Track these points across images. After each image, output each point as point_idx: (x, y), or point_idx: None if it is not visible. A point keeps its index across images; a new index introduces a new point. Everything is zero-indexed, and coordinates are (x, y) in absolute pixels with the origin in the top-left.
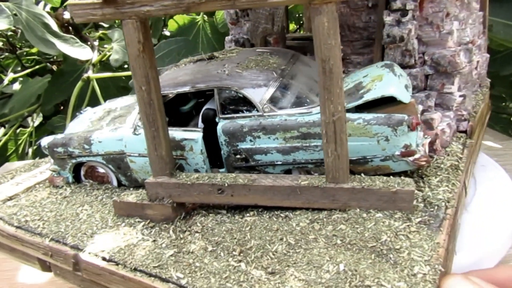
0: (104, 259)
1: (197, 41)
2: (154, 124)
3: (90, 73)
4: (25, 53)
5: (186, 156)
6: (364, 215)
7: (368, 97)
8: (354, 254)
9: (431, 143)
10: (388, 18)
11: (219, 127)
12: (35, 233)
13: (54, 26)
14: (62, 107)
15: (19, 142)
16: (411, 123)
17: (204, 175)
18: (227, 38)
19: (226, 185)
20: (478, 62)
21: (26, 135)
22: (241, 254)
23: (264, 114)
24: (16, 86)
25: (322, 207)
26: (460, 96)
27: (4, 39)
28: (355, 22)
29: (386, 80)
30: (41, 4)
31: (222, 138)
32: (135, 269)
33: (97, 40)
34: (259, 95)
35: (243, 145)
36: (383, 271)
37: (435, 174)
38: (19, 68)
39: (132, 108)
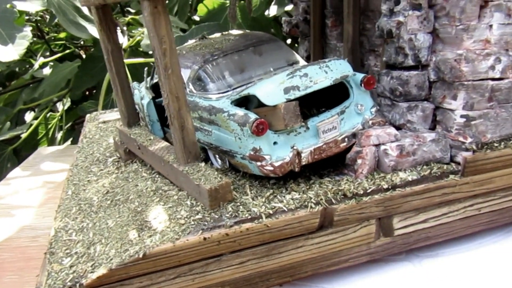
0: None
1: (228, 26)
2: (115, 84)
3: None
4: (53, 38)
5: (144, 116)
6: (176, 197)
7: (241, 93)
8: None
9: (353, 160)
10: (383, 7)
11: None
12: None
13: (85, 9)
14: (88, 92)
15: (49, 126)
16: (251, 126)
17: (139, 133)
18: (283, 19)
19: (139, 144)
20: None
21: (56, 119)
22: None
23: (188, 92)
24: (46, 71)
25: (174, 182)
26: (462, 116)
27: (33, 24)
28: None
29: (269, 79)
30: None
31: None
32: None
33: (126, 26)
34: (186, 75)
35: None
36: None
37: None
38: (48, 53)
39: None
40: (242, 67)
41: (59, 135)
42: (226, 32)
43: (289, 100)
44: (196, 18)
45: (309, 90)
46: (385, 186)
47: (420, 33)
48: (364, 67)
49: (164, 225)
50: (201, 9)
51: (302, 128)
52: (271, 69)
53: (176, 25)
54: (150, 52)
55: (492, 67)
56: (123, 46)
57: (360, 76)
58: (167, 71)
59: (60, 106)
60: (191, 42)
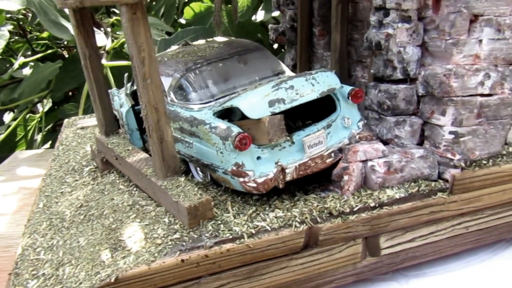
0: None
1: (213, 31)
2: (93, 91)
3: (103, 61)
4: (35, 37)
5: (123, 124)
6: (153, 213)
7: (224, 105)
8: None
9: (339, 177)
10: (372, 18)
11: None
12: None
13: (67, 9)
14: (71, 93)
15: (28, 128)
16: (233, 140)
17: (117, 143)
18: (270, 26)
19: (116, 155)
20: None
21: (35, 121)
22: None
23: (169, 101)
24: (27, 71)
25: (152, 196)
26: (451, 133)
27: (15, 23)
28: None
29: (254, 91)
30: None
31: None
32: None
33: (110, 27)
34: (167, 83)
35: None
36: None
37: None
38: (29, 53)
39: None
40: (226, 76)
41: (38, 137)
42: (211, 39)
43: (274, 114)
44: (183, 21)
45: (295, 104)
46: (372, 204)
47: (409, 46)
48: (352, 77)
49: (140, 245)
50: (188, 12)
51: (287, 142)
52: (257, 78)
53: (162, 28)
54: None
55: (482, 83)
56: (107, 48)
57: (347, 88)
58: (146, 80)
59: (41, 107)
60: (173, 48)
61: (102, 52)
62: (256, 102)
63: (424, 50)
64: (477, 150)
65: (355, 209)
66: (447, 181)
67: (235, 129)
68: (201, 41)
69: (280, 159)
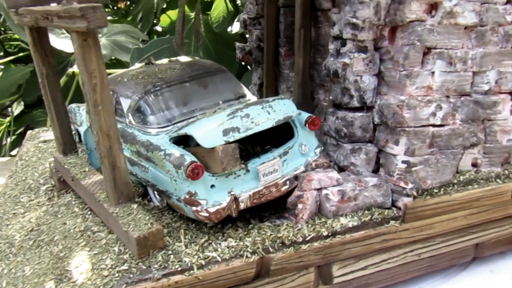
0: None
1: (190, 39)
2: (50, 110)
3: (75, 68)
4: (9, 37)
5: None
6: (104, 241)
7: (179, 131)
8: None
9: (293, 205)
10: (330, 46)
11: None
12: None
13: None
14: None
15: None
16: (185, 170)
17: (74, 163)
18: (237, 45)
19: (72, 176)
20: None
21: (4, 125)
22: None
23: (128, 123)
24: None
25: (104, 222)
26: (404, 162)
27: None
28: None
29: (209, 118)
30: None
31: None
32: None
33: None
34: (126, 105)
35: None
36: None
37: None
38: (1, 54)
39: None
40: (185, 100)
41: (7, 142)
42: (174, 59)
43: (228, 142)
44: (159, 28)
45: (249, 132)
46: (325, 233)
47: (365, 75)
48: (315, 100)
49: (86, 276)
50: (164, 20)
51: (242, 170)
52: (218, 102)
53: (137, 36)
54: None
55: (434, 114)
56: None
57: (305, 116)
58: (97, 107)
59: (15, 111)
60: (135, 67)
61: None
62: (210, 130)
63: (380, 79)
64: (429, 179)
65: (308, 238)
66: (400, 208)
67: (188, 158)
68: (165, 61)
69: (233, 188)
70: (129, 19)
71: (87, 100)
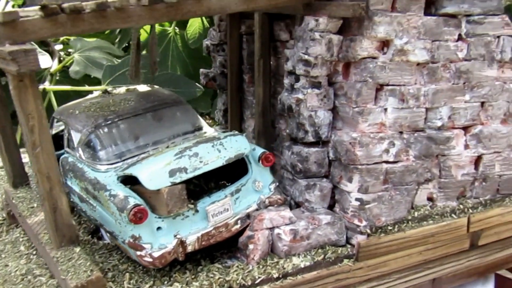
0: None
1: (167, 54)
2: (1, 142)
3: (46, 84)
4: None
5: None
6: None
7: (125, 171)
8: None
9: (244, 245)
10: (285, 81)
11: (60, 158)
12: None
13: None
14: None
15: None
16: (128, 214)
17: (23, 197)
18: (201, 71)
19: (19, 212)
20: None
21: None
22: None
23: (78, 157)
24: None
25: (47, 264)
26: (357, 199)
27: None
28: None
29: (155, 158)
30: (2, 1)
31: (60, 169)
32: None
33: (62, 44)
34: (77, 138)
35: (67, 180)
36: None
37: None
38: None
39: None
40: (137, 134)
41: None
42: (132, 88)
43: (175, 184)
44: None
45: (197, 172)
46: (276, 275)
47: (320, 110)
48: (276, 129)
49: None
50: (143, 34)
51: (191, 211)
52: (171, 135)
53: (111, 52)
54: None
55: (387, 151)
56: (52, 70)
57: (258, 151)
58: (35, 149)
59: None
60: (90, 97)
61: (47, 74)
62: (155, 171)
63: (336, 114)
64: (383, 216)
65: (257, 281)
66: (354, 246)
67: (132, 201)
68: (122, 89)
69: (181, 230)
70: (106, 32)
71: (25, 141)
